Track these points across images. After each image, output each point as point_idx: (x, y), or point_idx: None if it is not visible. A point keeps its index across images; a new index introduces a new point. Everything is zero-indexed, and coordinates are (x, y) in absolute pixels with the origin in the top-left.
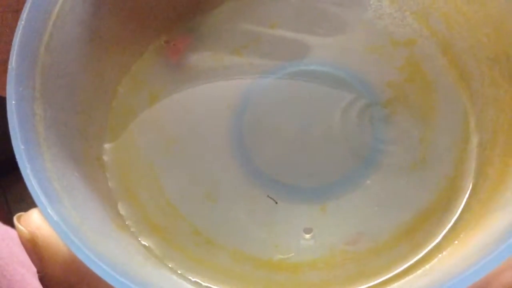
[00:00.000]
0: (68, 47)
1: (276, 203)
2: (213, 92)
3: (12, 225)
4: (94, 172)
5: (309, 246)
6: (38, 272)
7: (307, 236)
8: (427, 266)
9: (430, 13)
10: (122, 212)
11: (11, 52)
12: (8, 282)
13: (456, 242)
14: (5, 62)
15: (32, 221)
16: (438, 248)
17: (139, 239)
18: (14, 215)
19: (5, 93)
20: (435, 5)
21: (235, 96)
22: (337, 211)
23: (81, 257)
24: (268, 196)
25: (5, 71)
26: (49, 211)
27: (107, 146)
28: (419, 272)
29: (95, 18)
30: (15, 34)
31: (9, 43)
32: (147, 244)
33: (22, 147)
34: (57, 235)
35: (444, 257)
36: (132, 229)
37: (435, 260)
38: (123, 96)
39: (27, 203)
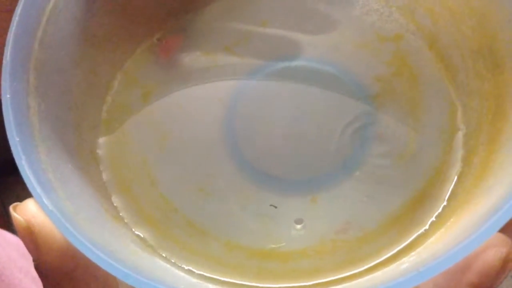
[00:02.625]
0: (62, 43)
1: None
2: (204, 89)
3: (9, 229)
4: (88, 165)
5: (300, 236)
6: (34, 260)
7: (298, 226)
8: (414, 252)
9: (416, 8)
10: (116, 203)
11: (6, 47)
12: (6, 287)
13: (442, 229)
14: None
15: (28, 210)
16: (425, 235)
17: (133, 229)
18: (10, 218)
19: None
20: (421, 0)
21: (227, 93)
22: (327, 202)
23: (75, 243)
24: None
25: None
26: (44, 200)
27: (101, 140)
28: (406, 258)
29: (88, 15)
30: (10, 29)
31: (1, 43)
32: (141, 235)
33: (17, 139)
34: (52, 223)
35: (430, 243)
36: (126, 220)
37: (422, 247)
38: (116, 92)
39: None
